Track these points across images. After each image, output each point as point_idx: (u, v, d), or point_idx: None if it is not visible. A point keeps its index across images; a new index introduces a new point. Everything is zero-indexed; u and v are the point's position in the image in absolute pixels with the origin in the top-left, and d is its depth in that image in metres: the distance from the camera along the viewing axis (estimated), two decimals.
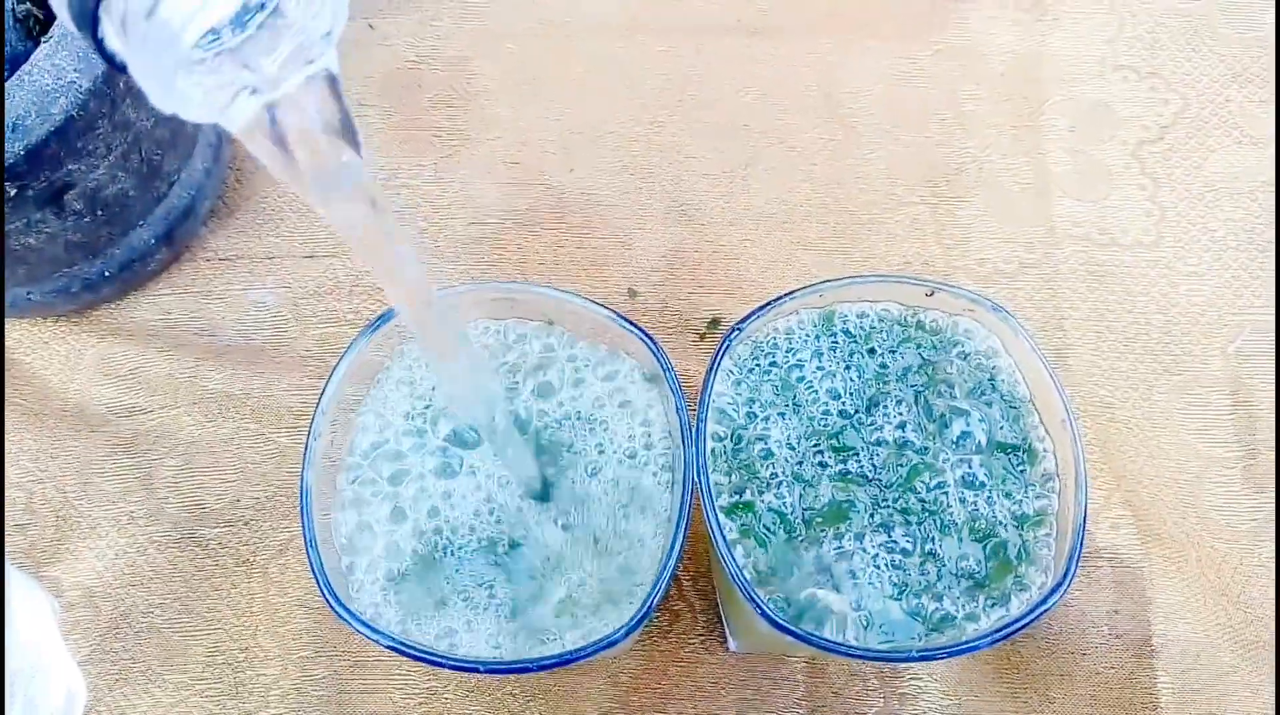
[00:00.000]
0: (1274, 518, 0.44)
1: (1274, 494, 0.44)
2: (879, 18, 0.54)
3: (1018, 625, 0.32)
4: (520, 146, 0.52)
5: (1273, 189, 0.49)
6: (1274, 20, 0.53)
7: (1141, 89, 0.52)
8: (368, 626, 0.31)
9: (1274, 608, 0.43)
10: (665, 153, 0.52)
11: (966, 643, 0.33)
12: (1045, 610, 0.32)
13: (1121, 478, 0.45)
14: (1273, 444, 0.45)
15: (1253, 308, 0.47)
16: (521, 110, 0.52)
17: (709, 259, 0.49)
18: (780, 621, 0.32)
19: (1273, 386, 0.46)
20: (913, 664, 0.42)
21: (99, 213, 0.43)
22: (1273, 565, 0.43)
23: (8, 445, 0.46)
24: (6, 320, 0.48)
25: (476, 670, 0.32)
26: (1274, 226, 0.49)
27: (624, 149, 0.52)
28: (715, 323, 0.48)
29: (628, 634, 0.32)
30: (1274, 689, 0.41)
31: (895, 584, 0.33)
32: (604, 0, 0.55)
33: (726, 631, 0.43)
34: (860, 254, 0.49)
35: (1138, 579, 0.43)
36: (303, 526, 0.33)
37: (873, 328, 0.36)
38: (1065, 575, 0.33)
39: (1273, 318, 0.47)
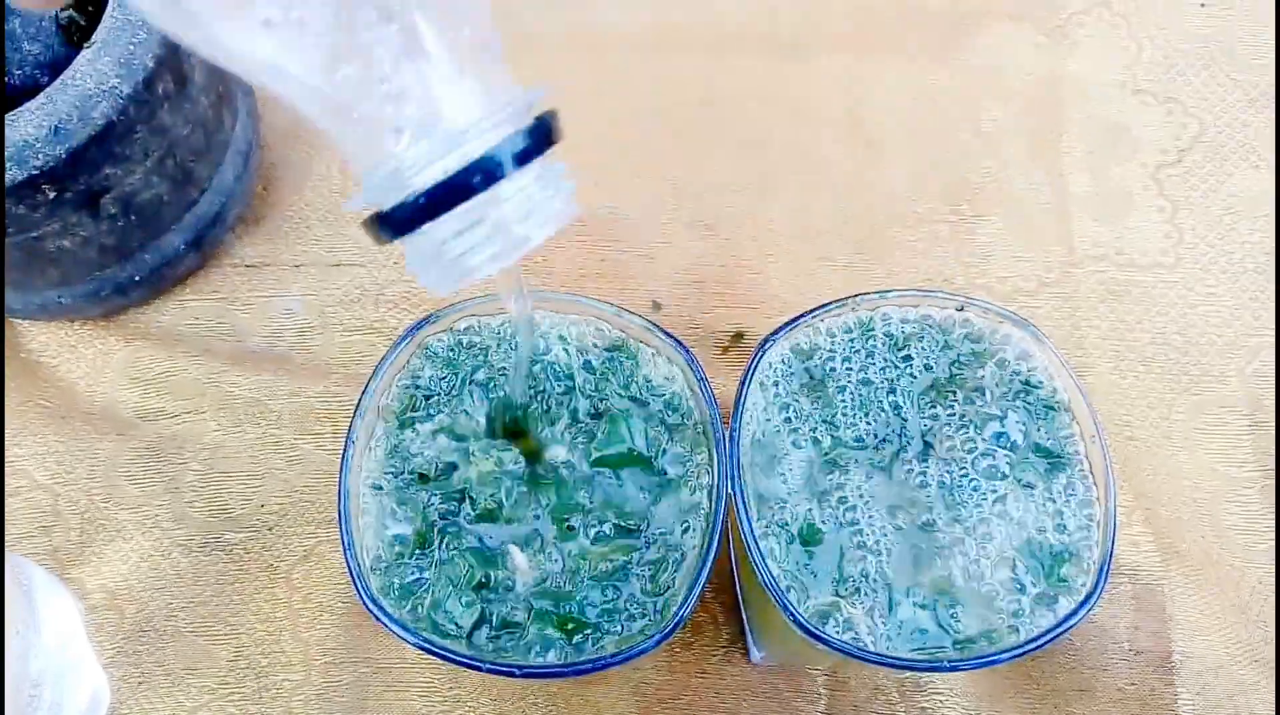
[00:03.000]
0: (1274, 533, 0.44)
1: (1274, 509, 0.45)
2: (901, 36, 0.55)
3: (1046, 638, 0.33)
4: None
5: None
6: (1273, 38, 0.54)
7: (1159, 113, 0.52)
8: (407, 630, 0.32)
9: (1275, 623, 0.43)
10: (688, 167, 0.52)
11: (994, 654, 0.33)
12: (1073, 624, 0.33)
13: (1141, 495, 0.45)
14: None
15: (1270, 329, 0.48)
16: None
17: (732, 273, 0.50)
18: (815, 630, 0.32)
19: None
20: (935, 677, 0.42)
21: (133, 217, 0.44)
22: None
23: (33, 446, 0.46)
24: (34, 322, 0.48)
25: (512, 674, 0.32)
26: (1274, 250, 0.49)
27: (648, 162, 0.52)
28: (739, 336, 0.49)
29: (660, 640, 0.32)
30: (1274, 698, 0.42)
31: (930, 592, 0.34)
32: (628, 14, 0.55)
33: (749, 643, 0.43)
34: (882, 271, 0.50)
35: (1158, 596, 0.44)
36: (341, 531, 0.33)
37: (909, 336, 0.37)
38: (1095, 588, 0.33)
39: None
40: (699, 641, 0.44)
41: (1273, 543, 0.44)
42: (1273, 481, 0.45)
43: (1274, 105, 0.52)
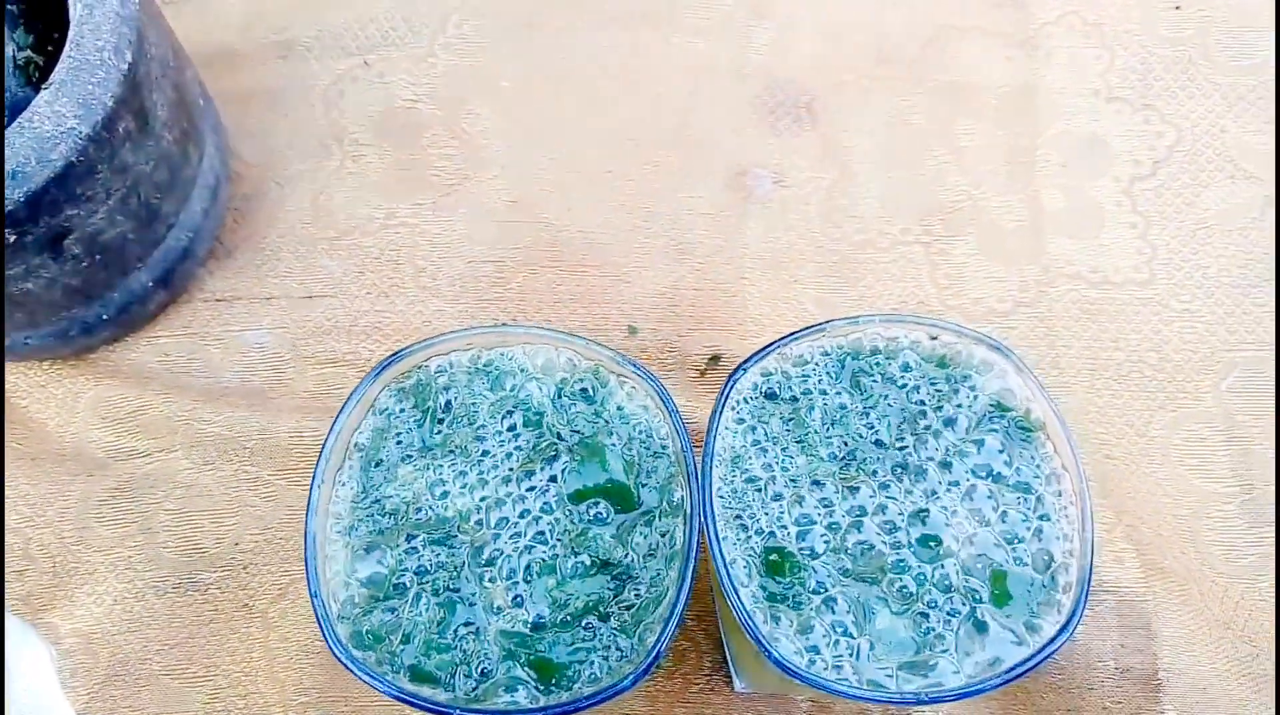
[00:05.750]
0: (1274, 552, 0.44)
1: (1274, 528, 0.44)
2: (872, 57, 0.54)
3: (1026, 666, 0.32)
4: (518, 185, 0.52)
5: (1264, 224, 0.50)
6: (1273, 45, 0.53)
7: (1136, 121, 0.52)
8: (377, 679, 0.31)
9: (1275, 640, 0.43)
10: (662, 192, 0.52)
11: (975, 685, 0.33)
12: (1052, 651, 0.32)
13: (1122, 512, 0.45)
14: (1269, 479, 0.45)
15: (1245, 344, 0.48)
16: (519, 149, 0.53)
17: (707, 296, 0.50)
18: (791, 666, 0.32)
19: (1267, 421, 0.46)
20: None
21: (97, 257, 0.43)
22: (1273, 599, 0.43)
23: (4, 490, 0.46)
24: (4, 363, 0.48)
25: None
26: (1274, 259, 0.49)
27: (621, 188, 0.52)
28: (715, 359, 0.48)
29: (637, 679, 0.32)
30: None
31: (909, 619, 0.33)
32: (599, 39, 0.55)
33: (732, 671, 0.42)
34: (855, 293, 0.49)
35: (1142, 613, 0.43)
36: (307, 576, 0.33)
37: (883, 361, 0.36)
38: (1072, 616, 0.33)
39: (1264, 354, 0.47)
40: (680, 670, 0.43)
41: (1254, 558, 0.44)
42: (1252, 496, 0.45)
43: (1269, 112, 0.52)
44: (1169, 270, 0.49)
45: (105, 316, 0.46)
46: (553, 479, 0.35)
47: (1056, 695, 0.42)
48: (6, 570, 0.45)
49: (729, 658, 0.43)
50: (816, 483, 0.35)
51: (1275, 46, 0.53)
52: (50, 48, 0.43)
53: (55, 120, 0.39)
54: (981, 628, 0.33)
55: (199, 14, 0.56)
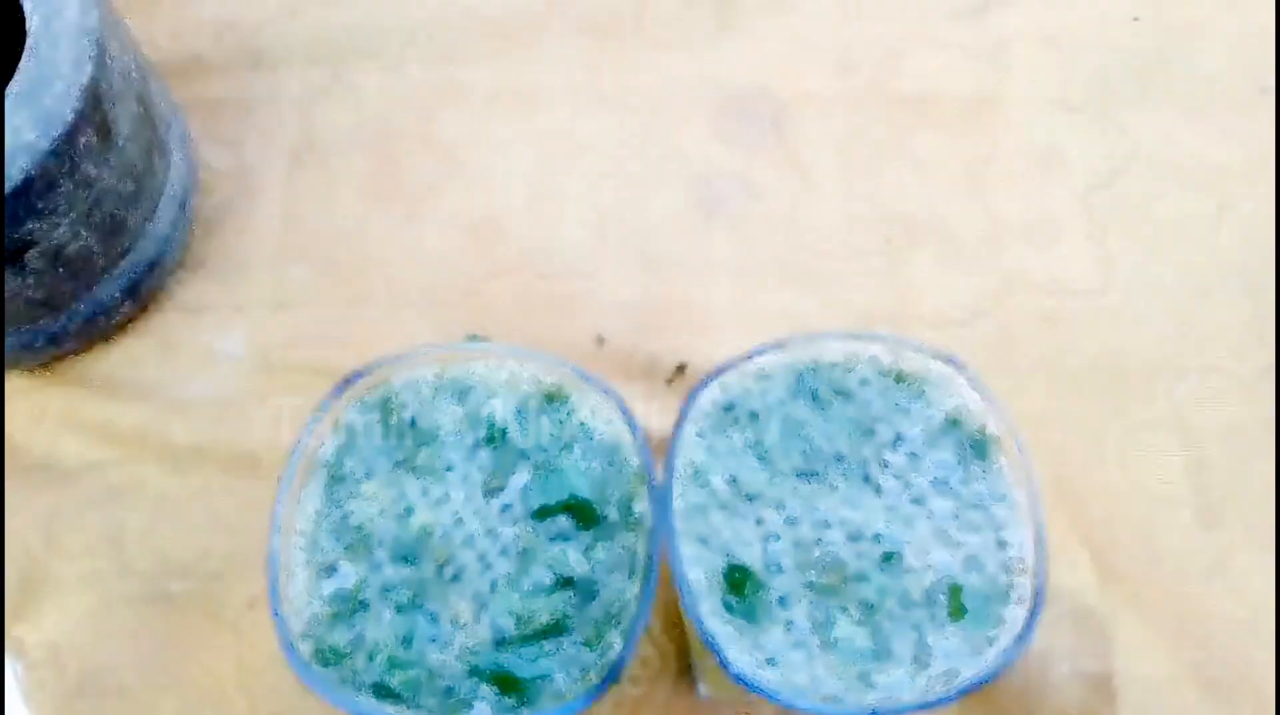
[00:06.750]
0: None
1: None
2: (834, 69, 0.55)
3: (980, 679, 0.33)
4: (488, 195, 0.52)
5: (1218, 233, 0.51)
6: (1227, 55, 0.54)
7: (1093, 132, 0.53)
8: (341, 696, 0.32)
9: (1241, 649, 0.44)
10: (629, 203, 0.52)
11: (931, 698, 0.34)
12: (1007, 663, 0.33)
13: (1077, 519, 0.46)
14: (1222, 484, 0.46)
15: (1200, 352, 0.48)
16: (489, 160, 0.53)
17: (674, 306, 0.50)
18: (748, 680, 0.32)
19: (1220, 427, 0.47)
20: None
21: (60, 270, 0.43)
22: (1226, 601, 0.44)
23: None
24: None
25: None
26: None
27: (590, 198, 0.52)
28: (682, 368, 0.49)
29: (597, 694, 0.32)
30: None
31: (868, 630, 0.34)
32: (568, 50, 0.55)
33: (696, 678, 0.43)
34: (817, 303, 0.50)
35: (1098, 618, 0.44)
36: (270, 595, 0.33)
37: (842, 378, 0.37)
38: (1027, 627, 0.34)
39: (1218, 361, 0.48)
40: (646, 677, 0.44)
41: (1208, 563, 0.45)
42: (1206, 502, 0.46)
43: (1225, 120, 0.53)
44: (1126, 279, 0.50)
45: (71, 328, 0.46)
46: (517, 494, 0.36)
47: (1012, 701, 0.43)
48: None
49: (694, 666, 0.43)
50: (777, 497, 0.36)
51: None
52: (7, 60, 0.42)
53: (12, 134, 0.39)
54: (938, 641, 0.34)
55: (169, 22, 0.56)
